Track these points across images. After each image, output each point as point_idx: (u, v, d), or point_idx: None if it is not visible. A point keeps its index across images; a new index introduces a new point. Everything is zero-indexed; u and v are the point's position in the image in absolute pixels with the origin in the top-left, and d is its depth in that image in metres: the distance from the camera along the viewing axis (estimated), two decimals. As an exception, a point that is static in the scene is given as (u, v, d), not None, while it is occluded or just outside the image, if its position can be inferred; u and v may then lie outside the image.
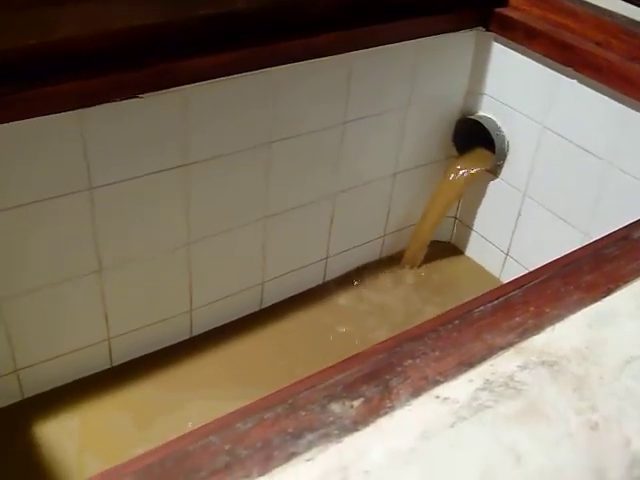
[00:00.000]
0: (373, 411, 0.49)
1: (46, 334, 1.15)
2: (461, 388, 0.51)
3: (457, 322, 0.57)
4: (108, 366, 1.25)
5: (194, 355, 1.30)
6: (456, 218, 1.58)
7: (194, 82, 1.03)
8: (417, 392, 0.50)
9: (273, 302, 1.40)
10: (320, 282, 1.46)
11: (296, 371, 1.28)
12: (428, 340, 0.55)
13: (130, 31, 0.94)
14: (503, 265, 1.49)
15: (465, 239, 1.58)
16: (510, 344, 0.55)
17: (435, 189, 1.46)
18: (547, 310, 0.59)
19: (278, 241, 1.32)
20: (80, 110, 0.96)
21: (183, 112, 1.06)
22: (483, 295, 0.61)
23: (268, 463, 0.45)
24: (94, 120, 0.98)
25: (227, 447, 0.46)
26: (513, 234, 1.45)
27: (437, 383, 0.51)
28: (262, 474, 0.45)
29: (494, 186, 1.46)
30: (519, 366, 0.53)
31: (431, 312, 1.44)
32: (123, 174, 1.06)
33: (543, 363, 0.54)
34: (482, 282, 1.50)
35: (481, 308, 0.59)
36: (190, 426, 1.16)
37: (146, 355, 1.28)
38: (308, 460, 0.45)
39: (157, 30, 0.96)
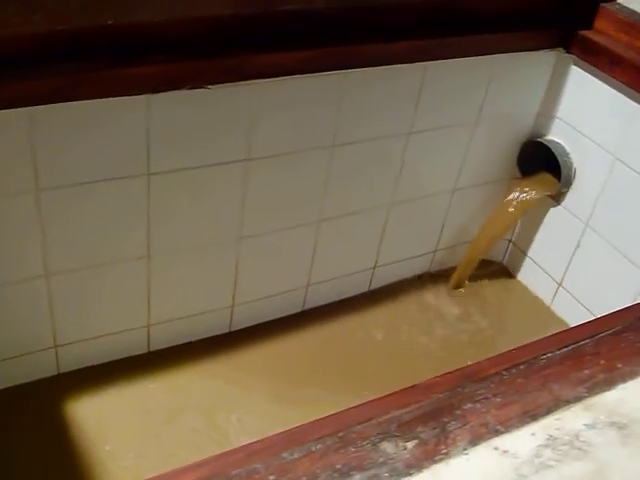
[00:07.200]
0: (428, 455, 0.46)
1: (88, 314, 1.14)
2: (522, 442, 0.48)
3: (522, 367, 0.54)
4: (145, 351, 1.25)
5: (230, 349, 1.29)
6: (510, 241, 1.53)
7: (265, 78, 1.01)
8: (475, 440, 0.47)
9: (315, 305, 1.38)
10: (365, 290, 1.44)
11: (328, 378, 1.26)
12: (491, 384, 0.52)
13: (208, 20, 0.92)
14: (554, 295, 1.44)
15: (518, 263, 1.53)
16: (578, 398, 0.52)
17: (494, 210, 1.41)
18: (619, 365, 0.55)
19: (328, 246, 1.29)
20: (149, 95, 0.94)
21: (250, 107, 1.04)
22: (550, 339, 0.58)
23: (313, 499, 0.43)
24: (161, 106, 0.97)
25: (272, 477, 0.43)
26: (569, 265, 1.40)
27: (497, 433, 0.48)
28: (306, 510, 0.42)
29: (555, 213, 1.41)
30: (586, 424, 0.50)
31: (474, 334, 1.40)
32: (182, 163, 1.05)
33: (612, 424, 0.50)
34: (531, 309, 1.46)
35: (549, 354, 0.55)
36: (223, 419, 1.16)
37: (183, 344, 1.27)
38: (355, 502, 0.43)
39: (236, 22, 0.94)
